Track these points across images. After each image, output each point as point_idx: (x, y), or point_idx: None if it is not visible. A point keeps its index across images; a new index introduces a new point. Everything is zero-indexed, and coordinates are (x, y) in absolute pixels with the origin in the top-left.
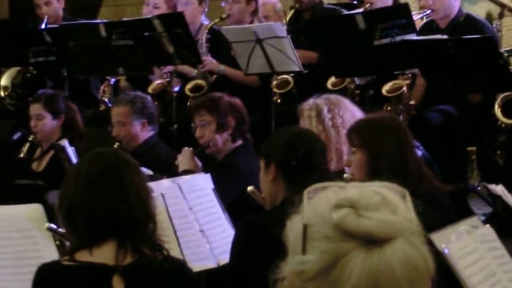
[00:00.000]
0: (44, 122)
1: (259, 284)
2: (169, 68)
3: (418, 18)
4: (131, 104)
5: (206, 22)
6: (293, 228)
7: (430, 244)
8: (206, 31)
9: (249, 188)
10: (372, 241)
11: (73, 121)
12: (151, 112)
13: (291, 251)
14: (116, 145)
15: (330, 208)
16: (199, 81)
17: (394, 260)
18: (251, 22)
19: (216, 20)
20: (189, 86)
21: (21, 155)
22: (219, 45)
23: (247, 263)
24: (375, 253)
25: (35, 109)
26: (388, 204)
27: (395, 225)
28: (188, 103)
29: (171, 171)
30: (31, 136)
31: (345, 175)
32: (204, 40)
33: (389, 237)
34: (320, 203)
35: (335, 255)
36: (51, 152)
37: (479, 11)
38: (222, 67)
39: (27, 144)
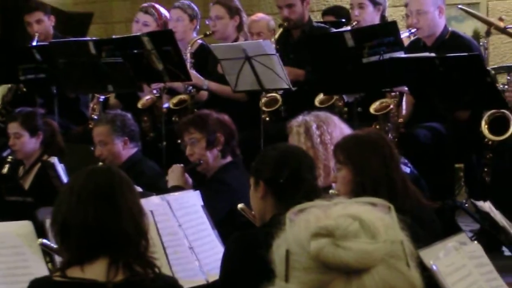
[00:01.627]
0: (22, 140)
1: None
2: (159, 83)
3: (405, 36)
4: (111, 123)
5: (197, 37)
6: (278, 250)
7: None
8: (190, 47)
9: (240, 205)
10: (350, 272)
11: (52, 138)
12: (132, 130)
13: (278, 273)
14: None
15: (308, 237)
16: (183, 96)
17: None
18: (237, 37)
19: (200, 36)
20: (174, 100)
21: (6, 173)
22: (207, 61)
23: (237, 278)
24: (354, 284)
25: (13, 128)
26: (367, 229)
27: (373, 254)
28: (173, 118)
29: (156, 187)
30: (10, 156)
31: (330, 191)
32: (188, 55)
33: (367, 266)
34: (301, 228)
35: (313, 286)
36: (35, 170)
37: (466, 29)
38: (206, 82)
39: (7, 166)
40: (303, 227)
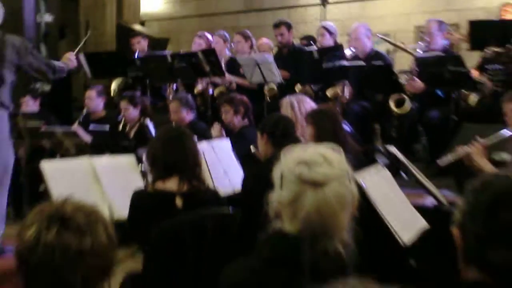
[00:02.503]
0: (129, 111)
1: (259, 203)
2: (207, 79)
3: (348, 54)
4: (180, 100)
5: (228, 53)
6: (277, 173)
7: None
8: (224, 59)
9: (252, 148)
10: (317, 185)
11: (145, 109)
12: (192, 104)
13: (276, 185)
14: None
15: (294, 164)
16: (221, 88)
17: (331, 196)
18: (250, 53)
19: (230, 53)
20: (216, 90)
21: (120, 129)
22: (235, 66)
23: (252, 189)
24: (319, 192)
25: (123, 104)
26: (327, 160)
27: (331, 175)
28: (216, 101)
29: (205, 137)
30: (123, 119)
31: (302, 139)
32: (223, 63)
33: (327, 182)
34: (289, 159)
35: (296, 193)
36: (136, 126)
37: (382, 48)
38: (233, 78)
39: (121, 125)
40: (291, 159)
